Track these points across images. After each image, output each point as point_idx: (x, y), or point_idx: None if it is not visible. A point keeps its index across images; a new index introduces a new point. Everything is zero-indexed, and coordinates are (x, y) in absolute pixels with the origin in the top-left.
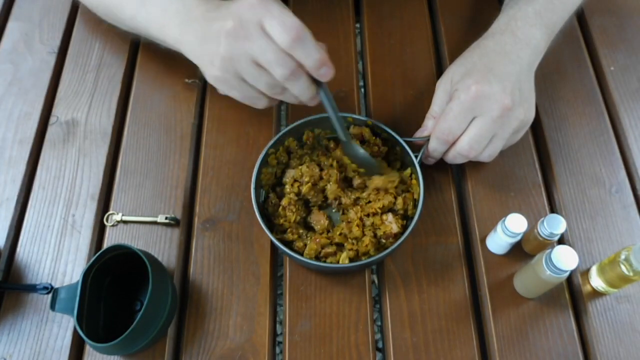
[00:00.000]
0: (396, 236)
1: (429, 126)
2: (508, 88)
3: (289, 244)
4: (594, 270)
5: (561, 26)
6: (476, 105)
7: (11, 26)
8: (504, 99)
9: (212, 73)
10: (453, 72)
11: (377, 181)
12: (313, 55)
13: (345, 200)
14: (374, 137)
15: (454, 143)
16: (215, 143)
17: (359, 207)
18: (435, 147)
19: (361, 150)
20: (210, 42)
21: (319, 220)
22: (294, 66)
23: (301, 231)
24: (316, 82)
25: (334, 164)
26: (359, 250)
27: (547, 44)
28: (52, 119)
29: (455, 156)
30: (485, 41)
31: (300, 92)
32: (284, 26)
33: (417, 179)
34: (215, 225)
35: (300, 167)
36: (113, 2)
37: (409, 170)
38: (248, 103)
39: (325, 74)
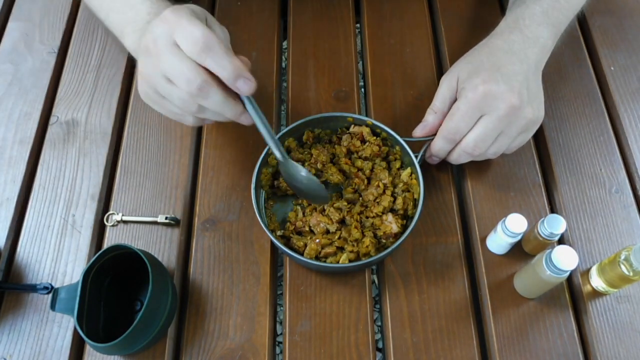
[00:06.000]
0: (396, 236)
1: (429, 121)
2: (516, 87)
3: (289, 243)
4: (594, 270)
5: (566, 26)
6: (483, 104)
7: (11, 26)
8: (512, 97)
9: (138, 88)
10: (460, 70)
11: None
12: (226, 67)
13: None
14: (374, 137)
15: (459, 141)
16: (215, 143)
17: (356, 209)
18: (441, 146)
19: (303, 172)
20: (138, 58)
21: (318, 223)
22: (201, 81)
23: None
24: (241, 98)
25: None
26: (359, 252)
27: (553, 43)
28: (52, 119)
29: (460, 154)
30: (493, 40)
31: (218, 108)
32: (192, 37)
33: (417, 178)
34: (215, 225)
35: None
36: (91, 4)
37: (409, 170)
38: (175, 119)
39: (243, 87)
